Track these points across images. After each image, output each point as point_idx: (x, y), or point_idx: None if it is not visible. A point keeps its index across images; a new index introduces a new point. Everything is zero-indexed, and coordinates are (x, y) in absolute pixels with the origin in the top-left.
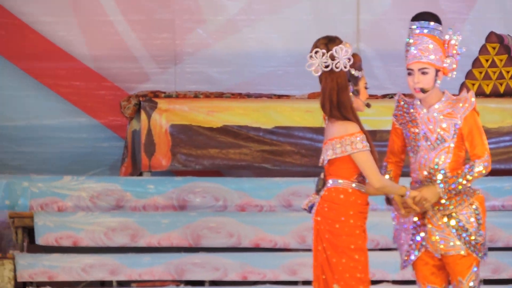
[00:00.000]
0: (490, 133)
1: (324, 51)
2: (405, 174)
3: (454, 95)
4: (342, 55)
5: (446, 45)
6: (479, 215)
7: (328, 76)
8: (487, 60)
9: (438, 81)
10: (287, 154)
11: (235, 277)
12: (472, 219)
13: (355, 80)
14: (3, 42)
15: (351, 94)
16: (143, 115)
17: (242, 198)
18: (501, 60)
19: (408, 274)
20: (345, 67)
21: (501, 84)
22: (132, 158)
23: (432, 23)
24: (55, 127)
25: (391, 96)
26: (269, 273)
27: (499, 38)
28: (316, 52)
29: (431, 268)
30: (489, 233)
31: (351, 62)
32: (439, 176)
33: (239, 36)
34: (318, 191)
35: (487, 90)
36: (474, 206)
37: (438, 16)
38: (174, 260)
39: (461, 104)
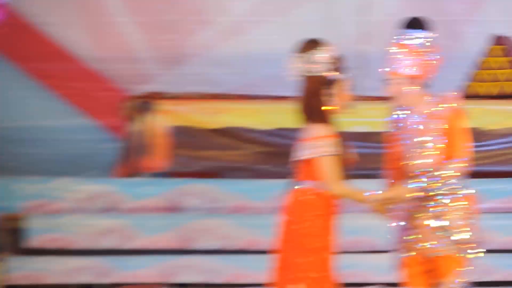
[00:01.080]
0: (488, 135)
1: (304, 55)
2: None
3: (440, 96)
4: (319, 60)
5: (419, 48)
6: (467, 215)
7: (305, 80)
8: (491, 62)
9: (413, 86)
10: (286, 156)
11: (228, 279)
12: (460, 220)
13: (336, 83)
14: (5, 42)
15: (330, 97)
16: (144, 116)
17: (239, 199)
18: (504, 62)
19: (400, 276)
20: (322, 72)
21: (505, 86)
22: (132, 159)
23: (415, 31)
24: (57, 128)
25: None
26: (263, 275)
27: (506, 40)
28: (294, 57)
29: (420, 270)
30: (483, 235)
31: (331, 65)
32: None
33: (244, 38)
34: (289, 192)
35: (493, 91)
36: (462, 206)
37: (426, 21)
38: (168, 262)
39: (444, 105)
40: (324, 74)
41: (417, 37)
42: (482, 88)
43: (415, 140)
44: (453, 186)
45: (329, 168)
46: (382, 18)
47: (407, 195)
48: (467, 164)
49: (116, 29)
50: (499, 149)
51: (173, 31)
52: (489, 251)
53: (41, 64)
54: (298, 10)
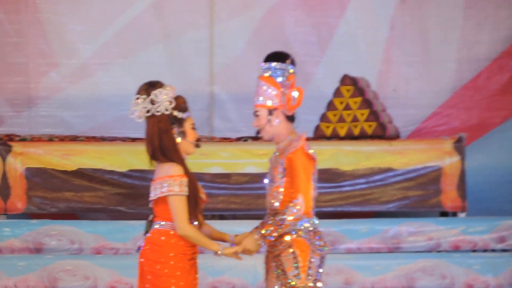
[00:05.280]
0: (345, 176)
1: (145, 96)
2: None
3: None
4: (162, 99)
5: (279, 80)
6: (296, 258)
7: (150, 121)
8: (341, 103)
9: (275, 120)
10: (141, 197)
11: None
12: (290, 262)
13: (180, 122)
14: None
15: (176, 136)
16: None
17: (98, 241)
18: (355, 103)
19: None
20: (166, 110)
21: (355, 127)
22: None
23: (273, 63)
24: None
25: (245, 139)
26: None
27: (353, 81)
28: (137, 99)
29: None
30: (345, 276)
31: (173, 104)
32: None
33: (93, 80)
34: (146, 233)
35: (342, 132)
36: (291, 250)
37: (284, 54)
38: None
39: (293, 144)
40: (165, 113)
41: (276, 69)
42: (329, 130)
43: (270, 179)
44: (295, 229)
45: (176, 208)
46: (230, 61)
47: (254, 245)
48: (306, 206)
49: None
50: (356, 189)
51: (22, 74)
52: None
53: None
54: (146, 52)
